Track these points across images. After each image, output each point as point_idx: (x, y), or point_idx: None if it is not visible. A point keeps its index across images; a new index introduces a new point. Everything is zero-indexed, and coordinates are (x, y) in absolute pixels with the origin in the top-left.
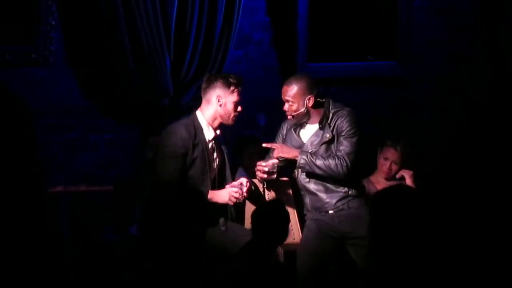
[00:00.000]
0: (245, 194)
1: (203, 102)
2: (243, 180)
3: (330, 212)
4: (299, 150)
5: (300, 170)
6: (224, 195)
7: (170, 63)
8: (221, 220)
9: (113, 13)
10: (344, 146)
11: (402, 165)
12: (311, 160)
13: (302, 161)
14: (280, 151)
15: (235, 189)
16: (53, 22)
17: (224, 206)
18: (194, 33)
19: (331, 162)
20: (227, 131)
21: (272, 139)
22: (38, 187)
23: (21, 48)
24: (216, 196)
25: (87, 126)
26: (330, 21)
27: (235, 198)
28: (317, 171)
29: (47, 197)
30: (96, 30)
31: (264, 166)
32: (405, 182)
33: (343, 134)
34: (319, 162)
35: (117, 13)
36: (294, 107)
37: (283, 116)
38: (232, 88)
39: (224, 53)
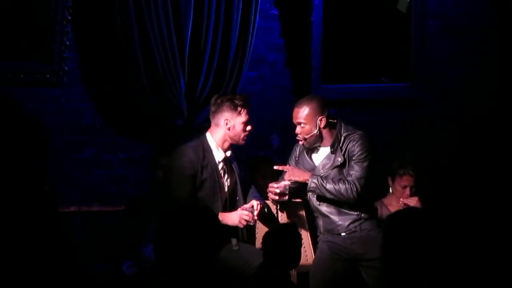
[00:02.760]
0: (255, 217)
1: (212, 125)
2: (254, 203)
3: (343, 234)
4: (310, 173)
5: (311, 193)
6: (235, 217)
7: (184, 84)
8: (233, 240)
9: (127, 34)
10: (355, 170)
11: (421, 183)
12: (322, 184)
13: (312, 184)
14: (291, 174)
15: (246, 212)
16: (68, 42)
17: (235, 227)
18: (208, 54)
19: (341, 187)
20: (241, 152)
21: (285, 160)
22: (50, 206)
23: (35, 67)
24: (226, 218)
25: (101, 145)
26: (344, 42)
27: (246, 220)
28: (328, 195)
29: (61, 217)
30: (110, 50)
31: (276, 187)
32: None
33: (354, 158)
34: (329, 186)
35: (132, 33)
36: (307, 128)
37: (296, 137)
38: (239, 109)
39: (238, 73)
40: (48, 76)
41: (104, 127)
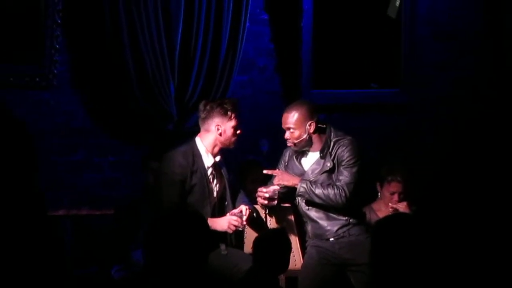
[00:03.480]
0: (244, 222)
1: (202, 130)
2: (243, 207)
3: (331, 239)
4: (300, 178)
5: (300, 198)
6: (223, 223)
7: (174, 88)
8: (222, 245)
9: (117, 37)
10: (344, 176)
11: (409, 189)
12: (311, 188)
13: (301, 189)
14: (280, 178)
15: (235, 218)
16: (58, 46)
17: (224, 232)
18: (198, 58)
19: (330, 192)
20: (230, 156)
21: (275, 165)
22: (39, 209)
23: (25, 71)
24: (215, 223)
25: (91, 148)
26: (334, 48)
27: (234, 226)
28: (316, 199)
29: (51, 220)
30: (100, 54)
31: (265, 192)
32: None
33: (343, 163)
34: (318, 191)
35: (122, 37)
36: (296, 134)
37: (286, 142)
38: (229, 114)
39: (228, 78)
40: (38, 79)
41: (94, 131)
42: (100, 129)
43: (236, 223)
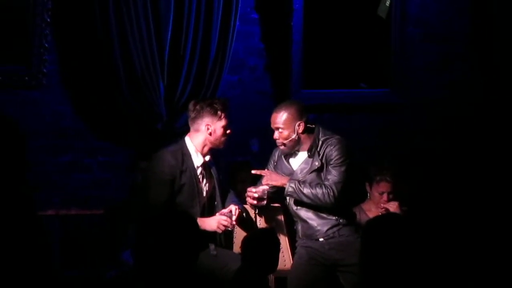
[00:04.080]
0: (234, 222)
1: (192, 130)
2: (233, 207)
3: (321, 239)
4: (288, 178)
5: (288, 197)
6: (213, 223)
7: (163, 88)
8: (211, 245)
9: (107, 37)
10: (332, 175)
11: (399, 189)
12: (299, 188)
13: (290, 189)
14: (269, 178)
15: (224, 217)
16: (47, 45)
17: (213, 232)
18: (188, 58)
19: (319, 191)
20: (219, 157)
21: (264, 165)
22: (28, 209)
23: (14, 70)
24: (204, 223)
25: (80, 148)
26: (324, 48)
27: (224, 226)
28: (305, 199)
29: (39, 220)
30: (90, 53)
31: (254, 192)
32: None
33: (331, 163)
34: (306, 190)
35: (111, 37)
36: (285, 134)
37: (275, 142)
38: (219, 114)
39: (218, 78)
40: (27, 78)
41: (83, 130)
42: (89, 129)
43: (225, 223)
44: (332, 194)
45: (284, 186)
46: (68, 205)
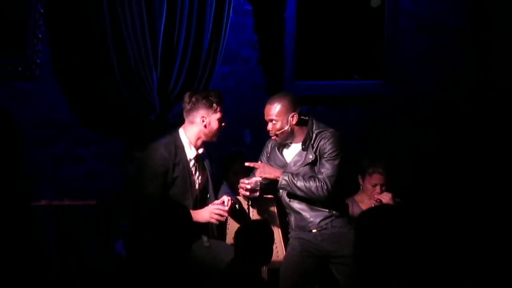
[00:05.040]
0: (226, 213)
1: (186, 122)
2: (225, 198)
3: (314, 231)
4: (281, 171)
5: (282, 190)
6: (206, 214)
7: (157, 79)
8: (204, 237)
9: (100, 28)
10: (326, 168)
11: (391, 181)
12: (292, 181)
13: (283, 182)
14: (262, 171)
15: (216, 206)
16: (40, 36)
17: (206, 224)
18: (181, 49)
19: (312, 185)
20: (213, 148)
21: (257, 156)
22: (22, 200)
23: (7, 61)
24: (197, 215)
25: (74, 139)
26: (318, 39)
27: (217, 215)
28: (298, 192)
29: (33, 211)
30: (83, 44)
31: (247, 183)
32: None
33: (325, 156)
34: (300, 183)
35: (105, 28)
36: (278, 125)
37: (269, 133)
38: (214, 106)
39: (211, 69)
40: (20, 69)
41: (76, 122)
42: (82, 120)
43: (218, 212)
44: (325, 187)
45: (278, 179)
46: (61, 196)
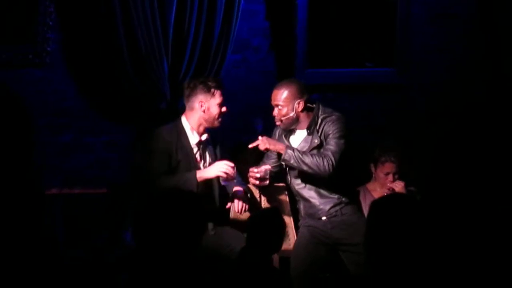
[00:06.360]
0: (234, 169)
1: (187, 109)
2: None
3: (323, 218)
4: (285, 144)
5: (291, 175)
6: (213, 170)
7: (167, 67)
8: (209, 224)
9: (111, 15)
10: (330, 145)
11: (403, 169)
12: (299, 156)
13: (287, 155)
14: (265, 142)
15: (224, 163)
16: (51, 23)
17: (211, 210)
18: (192, 37)
19: (318, 159)
20: (220, 136)
21: None
22: (35, 188)
23: (18, 49)
24: (205, 173)
25: (83, 127)
26: (329, 27)
27: (225, 170)
28: (304, 167)
29: (44, 199)
30: (94, 32)
31: (256, 172)
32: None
33: (330, 135)
34: (307, 159)
35: (115, 15)
36: (284, 111)
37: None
38: (212, 91)
39: (222, 57)
40: (30, 57)
41: (86, 110)
42: (92, 108)
43: (226, 167)
44: (331, 163)
45: (281, 152)
46: (71, 184)
